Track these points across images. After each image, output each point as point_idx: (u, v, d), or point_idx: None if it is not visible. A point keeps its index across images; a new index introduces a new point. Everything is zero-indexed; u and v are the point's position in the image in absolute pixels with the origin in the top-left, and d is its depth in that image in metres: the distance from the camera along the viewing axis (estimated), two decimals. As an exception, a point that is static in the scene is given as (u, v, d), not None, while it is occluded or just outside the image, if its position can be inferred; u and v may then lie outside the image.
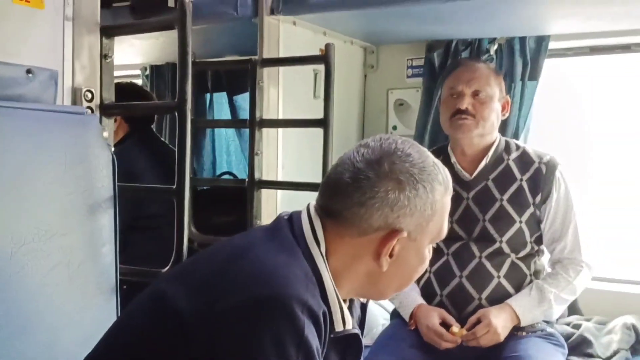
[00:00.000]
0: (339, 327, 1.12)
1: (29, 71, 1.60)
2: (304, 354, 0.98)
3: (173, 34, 1.70)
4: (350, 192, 1.12)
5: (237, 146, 3.96)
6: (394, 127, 3.23)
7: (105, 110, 1.77)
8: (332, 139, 2.29)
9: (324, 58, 2.29)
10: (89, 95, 1.74)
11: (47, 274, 1.47)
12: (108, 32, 1.79)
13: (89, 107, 1.73)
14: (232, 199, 2.85)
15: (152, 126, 3.22)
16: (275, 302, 0.99)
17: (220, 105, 3.97)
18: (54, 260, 1.49)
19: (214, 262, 1.13)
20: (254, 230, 1.70)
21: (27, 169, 1.45)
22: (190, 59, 1.68)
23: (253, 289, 1.01)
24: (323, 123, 2.29)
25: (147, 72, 3.99)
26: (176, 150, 1.71)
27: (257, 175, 2.48)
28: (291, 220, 1.18)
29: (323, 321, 1.03)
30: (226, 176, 3.82)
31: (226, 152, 4.12)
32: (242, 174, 3.72)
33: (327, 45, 2.28)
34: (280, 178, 2.70)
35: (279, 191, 2.70)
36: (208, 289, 1.04)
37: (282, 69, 2.68)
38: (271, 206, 2.64)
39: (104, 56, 1.80)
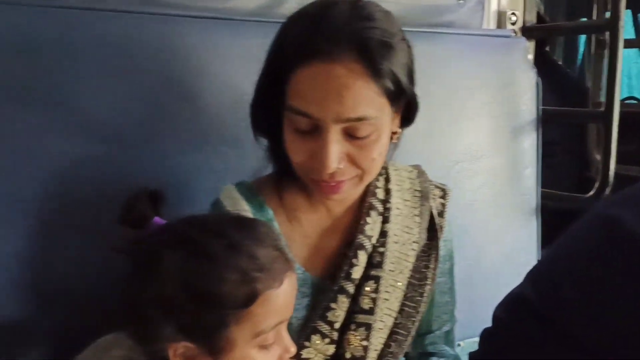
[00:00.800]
0: None
1: (459, -2, 1.67)
2: None
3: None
4: None
5: (640, 68, 3.59)
6: None
7: (528, 32, 1.75)
8: None
9: None
10: (513, 18, 1.74)
11: (475, 192, 1.55)
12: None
13: (512, 30, 1.74)
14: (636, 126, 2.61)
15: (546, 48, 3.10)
16: None
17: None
18: (481, 179, 1.56)
19: None
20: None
21: (460, 91, 1.52)
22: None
23: None
24: None
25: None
26: (606, 74, 1.61)
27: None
28: None
29: None
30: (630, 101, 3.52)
31: (627, 75, 3.77)
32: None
33: None
34: None
35: None
36: None
37: None
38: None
39: (528, -23, 1.77)
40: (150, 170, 1.17)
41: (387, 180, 1.06)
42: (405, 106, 0.95)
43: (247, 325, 0.78)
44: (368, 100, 0.86)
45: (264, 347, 0.81)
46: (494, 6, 1.73)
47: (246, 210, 0.98)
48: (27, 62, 1.07)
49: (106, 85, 1.14)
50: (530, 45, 1.78)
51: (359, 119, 0.85)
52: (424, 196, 1.07)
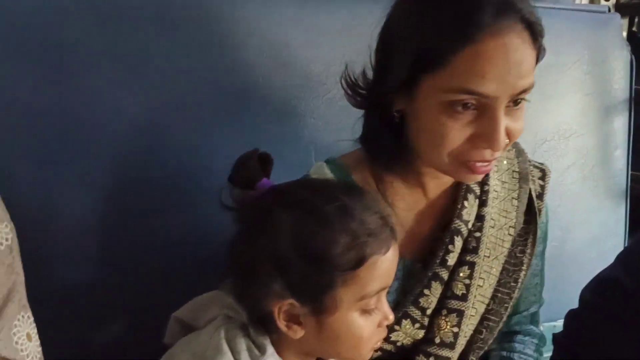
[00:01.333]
0: None
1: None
2: None
3: None
4: None
5: None
6: None
7: (622, 9, 1.67)
8: None
9: None
10: (607, -7, 1.68)
11: (563, 172, 1.50)
12: None
13: (606, 7, 1.66)
14: None
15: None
16: None
17: None
18: (569, 159, 1.50)
19: None
20: None
21: (552, 67, 1.46)
22: None
23: None
24: None
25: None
26: None
27: None
28: None
29: None
30: None
31: None
32: None
33: None
34: None
35: None
36: None
37: None
38: None
39: (624, -51, 1.69)
40: (240, 141, 1.18)
41: None
42: None
43: (353, 287, 0.79)
44: (533, 67, 0.82)
45: (365, 311, 0.81)
46: (587, -20, 1.66)
47: None
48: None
49: (197, 58, 1.14)
50: (624, 22, 1.71)
51: (528, 89, 0.82)
52: (522, 178, 1.02)
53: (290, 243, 0.78)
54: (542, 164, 1.07)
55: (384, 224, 0.82)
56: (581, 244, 1.54)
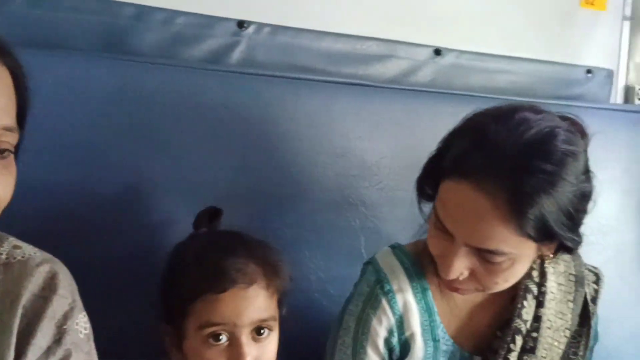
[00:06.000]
0: None
1: (588, 71, 1.64)
2: None
3: None
4: None
5: None
6: None
7: (658, 108, 1.70)
8: None
9: None
10: (641, 94, 1.70)
11: (602, 267, 1.48)
12: (664, 28, 1.72)
13: (640, 106, 1.69)
14: None
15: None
16: None
17: None
18: (608, 255, 1.49)
19: None
20: None
21: (591, 165, 1.48)
22: None
23: None
24: None
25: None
26: None
27: None
28: None
29: None
30: None
31: None
32: None
33: None
34: None
35: None
36: None
37: None
38: None
39: (657, 54, 1.73)
40: (295, 228, 1.19)
41: (542, 261, 0.99)
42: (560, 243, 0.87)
43: (193, 318, 0.90)
44: (503, 238, 0.79)
45: (210, 343, 0.89)
46: (621, 81, 1.69)
47: (402, 276, 0.96)
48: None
49: (259, 148, 1.17)
50: (657, 120, 1.73)
51: (489, 252, 0.81)
52: (579, 281, 1.01)
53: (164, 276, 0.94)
54: (595, 267, 1.06)
55: (229, 268, 0.88)
56: (619, 340, 1.51)
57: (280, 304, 0.95)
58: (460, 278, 0.86)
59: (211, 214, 1.00)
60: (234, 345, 0.87)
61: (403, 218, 1.25)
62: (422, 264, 0.98)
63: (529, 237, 0.80)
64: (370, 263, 1.00)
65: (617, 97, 1.68)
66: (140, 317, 1.04)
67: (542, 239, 0.82)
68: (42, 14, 1.10)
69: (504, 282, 0.87)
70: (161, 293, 0.95)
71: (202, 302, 0.87)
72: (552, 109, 1.46)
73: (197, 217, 1.00)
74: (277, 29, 1.26)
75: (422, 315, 0.96)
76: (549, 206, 0.79)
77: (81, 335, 0.76)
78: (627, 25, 1.68)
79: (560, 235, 0.82)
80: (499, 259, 0.82)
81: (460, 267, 0.83)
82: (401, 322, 0.95)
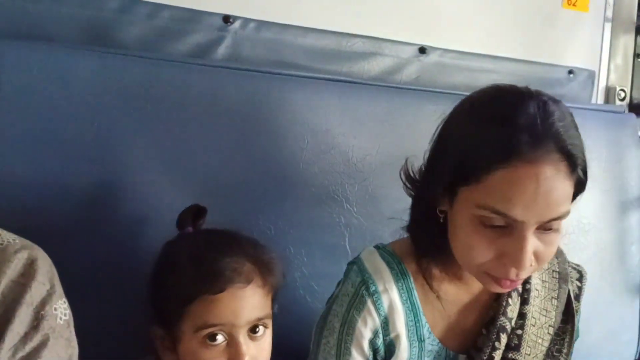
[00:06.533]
0: None
1: (570, 72, 1.65)
2: None
3: None
4: None
5: None
6: None
7: (636, 109, 1.72)
8: None
9: None
10: (622, 94, 1.72)
11: (583, 265, 1.50)
12: (644, 30, 1.74)
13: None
14: None
15: None
16: None
17: None
18: (588, 253, 1.51)
19: None
20: None
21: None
22: None
23: None
24: None
25: None
26: None
27: None
28: None
29: None
30: None
31: None
32: None
33: None
34: None
35: None
36: None
37: None
38: None
39: (637, 55, 1.75)
40: (280, 224, 1.19)
41: None
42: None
43: (190, 321, 0.90)
44: (568, 197, 0.82)
45: (208, 344, 0.89)
46: (603, 82, 1.71)
47: (387, 277, 0.95)
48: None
49: (241, 142, 1.16)
50: (638, 121, 1.75)
51: (559, 218, 0.81)
52: (562, 278, 1.01)
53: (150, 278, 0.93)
54: (578, 265, 1.06)
55: (225, 268, 0.88)
56: (598, 338, 1.52)
57: (273, 301, 0.95)
58: (532, 265, 0.84)
59: (195, 212, 0.99)
60: (232, 345, 0.87)
61: (387, 215, 1.25)
62: (406, 263, 0.97)
63: (576, 185, 0.84)
64: (355, 263, 0.99)
65: (599, 98, 1.70)
66: (125, 316, 1.03)
67: (580, 187, 0.86)
68: (26, 6, 1.07)
69: (553, 252, 0.88)
70: (152, 296, 0.94)
71: (199, 304, 0.87)
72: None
73: (181, 216, 0.99)
74: (262, 24, 1.25)
75: (408, 316, 0.95)
76: (583, 152, 0.85)
77: (60, 321, 0.76)
78: (608, 27, 1.70)
79: (586, 179, 0.87)
80: (558, 224, 0.84)
81: (531, 253, 0.82)
82: (386, 323, 0.94)
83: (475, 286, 0.98)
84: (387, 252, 0.98)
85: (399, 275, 0.96)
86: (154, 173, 1.09)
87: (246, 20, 1.24)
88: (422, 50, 1.45)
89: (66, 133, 1.04)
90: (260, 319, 0.90)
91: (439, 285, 0.97)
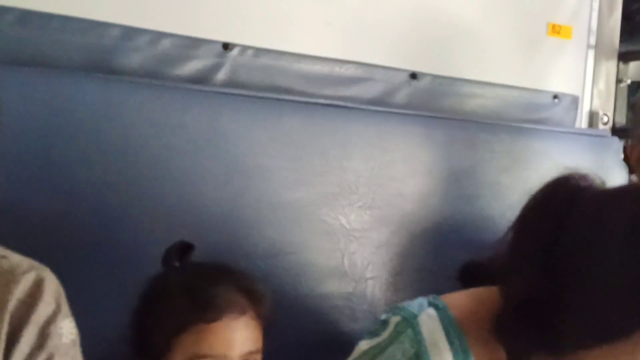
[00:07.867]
0: None
1: (555, 97, 1.70)
2: None
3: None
4: None
5: None
6: None
7: (619, 133, 1.76)
8: None
9: None
10: (605, 119, 1.77)
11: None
12: (626, 57, 1.79)
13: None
14: None
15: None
16: None
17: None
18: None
19: None
20: None
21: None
22: None
23: None
24: None
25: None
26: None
27: None
28: None
29: None
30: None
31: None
32: None
33: None
34: None
35: None
36: None
37: None
38: None
39: (619, 81, 1.81)
40: (274, 244, 1.21)
41: None
42: None
43: (180, 351, 0.87)
44: None
45: None
46: (586, 106, 1.76)
47: (446, 355, 0.79)
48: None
49: (234, 165, 1.19)
50: (620, 145, 1.80)
51: None
52: None
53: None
54: None
55: (220, 297, 0.87)
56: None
57: (263, 337, 0.93)
58: None
59: (182, 249, 0.96)
60: None
61: (384, 237, 1.29)
62: (467, 335, 0.81)
63: None
64: (411, 325, 0.81)
65: (582, 122, 1.74)
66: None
67: None
68: (30, 33, 1.10)
69: None
70: (137, 328, 0.91)
71: (191, 334, 0.85)
72: (520, 132, 1.53)
73: (167, 253, 0.95)
74: (260, 51, 1.28)
75: None
76: None
77: (66, 340, 0.77)
78: (591, 53, 1.75)
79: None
80: None
81: None
82: None
83: None
84: (447, 319, 0.82)
85: (459, 352, 0.80)
86: (153, 199, 1.11)
87: (244, 48, 1.27)
88: (413, 75, 1.49)
89: (67, 158, 1.05)
90: (252, 353, 0.88)
91: None
